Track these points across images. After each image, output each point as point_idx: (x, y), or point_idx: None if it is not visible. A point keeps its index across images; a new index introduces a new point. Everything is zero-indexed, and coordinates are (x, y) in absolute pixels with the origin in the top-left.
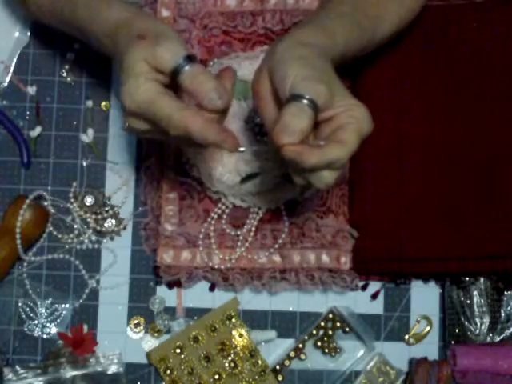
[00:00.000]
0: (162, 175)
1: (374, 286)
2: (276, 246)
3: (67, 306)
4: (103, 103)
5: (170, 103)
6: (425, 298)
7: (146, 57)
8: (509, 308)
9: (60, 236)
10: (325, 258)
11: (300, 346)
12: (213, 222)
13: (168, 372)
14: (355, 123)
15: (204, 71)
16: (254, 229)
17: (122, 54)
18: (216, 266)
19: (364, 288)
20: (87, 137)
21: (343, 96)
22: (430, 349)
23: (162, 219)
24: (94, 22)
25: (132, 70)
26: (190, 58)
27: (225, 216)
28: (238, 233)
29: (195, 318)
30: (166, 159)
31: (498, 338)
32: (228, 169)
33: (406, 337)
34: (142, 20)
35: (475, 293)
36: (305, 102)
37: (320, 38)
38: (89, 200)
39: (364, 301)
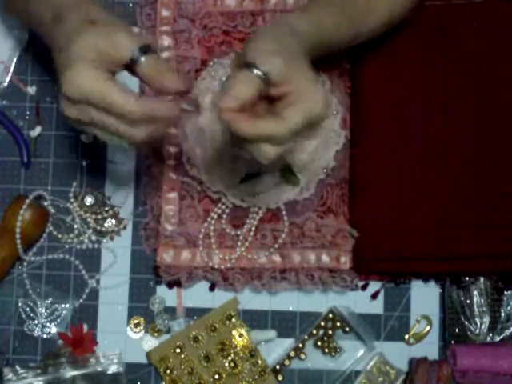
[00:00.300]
0: (162, 175)
1: (374, 285)
2: (276, 245)
3: (67, 305)
4: None
5: (122, 92)
6: (425, 297)
7: (98, 43)
8: (509, 308)
9: (60, 236)
10: (325, 257)
11: (300, 345)
12: (213, 221)
13: (168, 372)
14: (304, 103)
15: (161, 61)
16: (253, 229)
17: (69, 38)
18: (216, 266)
19: (364, 288)
20: (87, 137)
21: (304, 78)
22: (429, 349)
23: (162, 219)
24: (43, 5)
25: (81, 55)
26: (146, 48)
27: (225, 216)
28: (238, 233)
29: (195, 317)
30: (166, 159)
31: (497, 338)
32: (228, 169)
33: (406, 337)
34: (93, 7)
35: (475, 293)
36: (255, 71)
37: (303, 23)
38: (89, 200)
39: (364, 301)
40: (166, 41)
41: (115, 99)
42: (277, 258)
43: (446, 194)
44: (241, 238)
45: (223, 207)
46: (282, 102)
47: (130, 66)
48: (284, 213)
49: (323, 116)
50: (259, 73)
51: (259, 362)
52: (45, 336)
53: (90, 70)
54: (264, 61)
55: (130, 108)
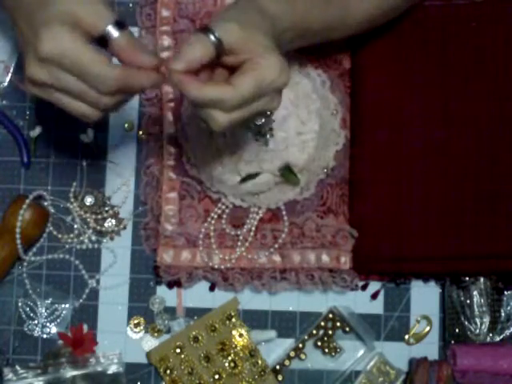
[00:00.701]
0: (162, 175)
1: (374, 285)
2: (276, 245)
3: (67, 305)
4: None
5: (99, 57)
6: (425, 297)
7: (78, 9)
8: (509, 308)
9: (60, 236)
10: (325, 257)
11: (300, 345)
12: (213, 221)
13: (168, 372)
14: (257, 70)
15: (134, 38)
16: (253, 229)
17: (43, 3)
18: (216, 266)
19: (364, 288)
20: (87, 137)
21: (261, 46)
22: (430, 349)
23: (162, 219)
24: None
25: (60, 16)
26: (121, 23)
27: (225, 216)
28: (238, 233)
29: (195, 318)
30: (166, 159)
31: (498, 338)
32: (228, 168)
33: (406, 337)
34: None
35: (475, 293)
36: (210, 36)
37: (273, 5)
38: (89, 200)
39: (364, 301)
40: (166, 41)
41: (91, 63)
42: (277, 258)
43: (446, 194)
44: (241, 238)
45: (223, 207)
46: (238, 71)
47: (102, 40)
48: (284, 213)
49: (278, 84)
50: (212, 37)
51: (259, 362)
52: (45, 336)
53: (68, 32)
54: (219, 26)
55: (106, 73)
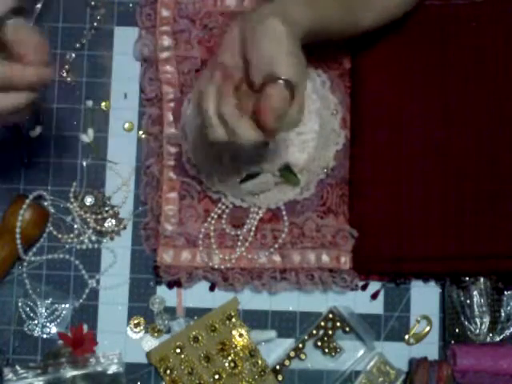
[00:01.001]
0: (162, 175)
1: (374, 285)
2: (276, 245)
3: (67, 305)
4: (103, 103)
5: None
6: (425, 297)
7: None
8: (509, 308)
9: (60, 236)
10: (325, 257)
11: (300, 345)
12: (213, 221)
13: (168, 372)
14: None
15: (31, 28)
16: (253, 229)
17: None
18: (216, 266)
19: (364, 288)
20: (87, 137)
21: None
22: (430, 349)
23: (162, 219)
24: None
25: None
26: (19, 10)
27: (225, 216)
28: (238, 233)
29: (195, 318)
30: (166, 159)
31: (498, 338)
32: (228, 169)
33: (406, 337)
34: None
35: (475, 293)
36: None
37: (306, 11)
38: (89, 200)
39: (364, 301)
40: (166, 41)
41: None
42: (277, 258)
43: (446, 193)
44: (241, 238)
45: (223, 207)
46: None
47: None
48: (284, 213)
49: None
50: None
51: (259, 362)
52: (45, 336)
53: None
54: (282, 70)
55: None
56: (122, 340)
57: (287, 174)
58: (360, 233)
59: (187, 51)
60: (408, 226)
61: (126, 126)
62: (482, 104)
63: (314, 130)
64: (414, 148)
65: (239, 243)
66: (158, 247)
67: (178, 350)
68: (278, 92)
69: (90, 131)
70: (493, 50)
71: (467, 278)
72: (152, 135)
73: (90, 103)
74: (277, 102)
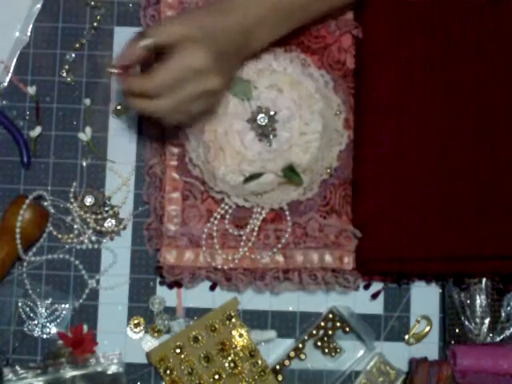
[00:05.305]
0: (165, 175)
1: (375, 285)
2: (279, 245)
3: (67, 306)
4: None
5: None
6: (425, 298)
7: None
8: (509, 308)
9: (60, 236)
10: (328, 258)
11: (300, 345)
12: (216, 222)
13: (168, 372)
14: (172, 59)
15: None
16: (256, 229)
17: None
18: (219, 266)
19: (367, 287)
20: (85, 135)
21: (189, 38)
22: (430, 349)
23: (165, 219)
24: None
25: None
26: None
27: (228, 216)
28: (241, 233)
29: (195, 318)
30: (168, 159)
31: (498, 338)
32: (231, 169)
33: (406, 337)
34: None
35: (476, 293)
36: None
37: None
38: (89, 200)
39: (364, 301)
40: None
41: None
42: (280, 258)
43: (449, 195)
44: (244, 238)
45: (226, 207)
46: None
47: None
48: (287, 213)
49: (196, 67)
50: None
51: (259, 362)
52: (45, 336)
53: None
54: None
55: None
56: (122, 340)
57: (290, 174)
58: (363, 233)
59: None
60: (411, 226)
61: (119, 108)
62: (486, 106)
63: (317, 131)
64: (418, 149)
65: (242, 243)
66: (160, 247)
67: (178, 350)
68: (138, 43)
69: (88, 130)
70: (494, 47)
71: (470, 280)
72: (155, 135)
73: (87, 101)
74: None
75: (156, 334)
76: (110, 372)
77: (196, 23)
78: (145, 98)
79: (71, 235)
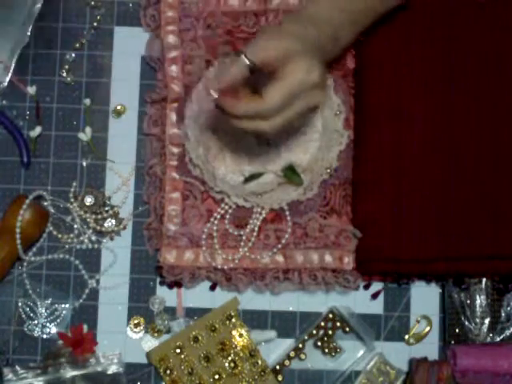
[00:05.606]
0: (165, 175)
1: (376, 286)
2: (279, 246)
3: (67, 306)
4: (119, 107)
5: None
6: (425, 298)
7: None
8: (509, 308)
9: (60, 236)
10: (328, 258)
11: (300, 345)
12: (216, 222)
13: (168, 372)
14: (282, 79)
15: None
16: (257, 229)
17: None
18: (219, 267)
19: (367, 287)
20: (85, 135)
21: (288, 53)
22: (430, 349)
23: (165, 219)
24: None
25: None
26: None
27: (228, 216)
28: (241, 233)
29: (195, 318)
30: (168, 159)
31: (498, 338)
32: (231, 169)
33: (406, 337)
34: None
35: (476, 293)
36: (243, 58)
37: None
38: (89, 200)
39: (364, 301)
40: (172, 39)
41: None
42: (280, 259)
43: (449, 195)
44: (244, 238)
45: (226, 207)
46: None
47: None
48: (287, 213)
49: (309, 82)
50: (245, 59)
51: (259, 362)
52: (45, 336)
53: None
54: (248, 48)
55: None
56: (122, 340)
57: (290, 174)
58: (363, 233)
59: (193, 50)
60: (411, 226)
61: (119, 107)
62: (486, 107)
63: (317, 131)
64: (418, 149)
65: (242, 243)
66: (160, 247)
67: (178, 350)
68: (237, 64)
69: (88, 130)
70: (495, 46)
71: (470, 279)
72: (155, 136)
73: (87, 101)
74: (232, 72)
75: (156, 334)
76: (109, 372)
77: (292, 36)
78: (255, 119)
79: (71, 235)
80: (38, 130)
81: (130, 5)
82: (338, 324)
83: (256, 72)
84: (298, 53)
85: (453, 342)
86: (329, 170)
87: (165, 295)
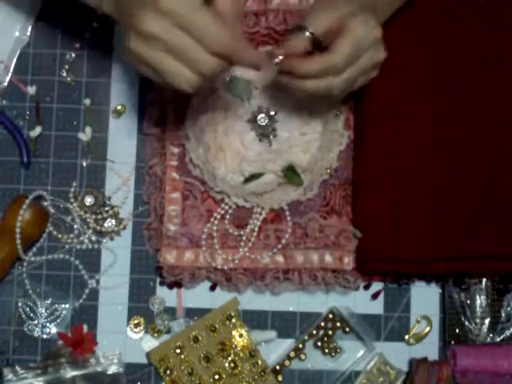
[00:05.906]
0: (165, 175)
1: (375, 286)
2: (279, 246)
3: (67, 306)
4: (119, 107)
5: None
6: (425, 298)
7: None
8: (509, 308)
9: (60, 236)
10: (328, 258)
11: (300, 346)
12: (216, 222)
13: (168, 372)
14: (349, 32)
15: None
16: (257, 229)
17: None
18: (219, 267)
19: (367, 287)
20: (85, 135)
21: (347, 15)
22: (429, 349)
23: (165, 219)
24: None
25: None
26: None
27: (228, 216)
28: (241, 233)
29: (195, 318)
30: (168, 159)
31: (498, 338)
32: (231, 169)
33: (406, 337)
34: None
35: (476, 293)
36: (305, 33)
37: None
38: (89, 200)
39: (364, 301)
40: None
41: (210, 20)
42: (280, 259)
43: (449, 195)
44: (244, 238)
45: (226, 207)
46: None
47: None
48: (287, 213)
49: (372, 37)
50: (307, 33)
51: (259, 362)
52: (45, 336)
53: None
54: (309, 23)
55: (223, 32)
56: (122, 340)
57: (290, 174)
58: (363, 233)
59: None
60: (411, 226)
61: (119, 107)
62: (486, 108)
63: (317, 131)
64: (417, 149)
65: (242, 243)
66: (160, 247)
67: (178, 351)
68: (298, 40)
69: (88, 130)
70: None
71: (470, 279)
72: (155, 135)
73: (87, 101)
74: (295, 46)
75: (156, 334)
76: (109, 372)
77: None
78: (325, 76)
79: (71, 235)
80: (38, 129)
81: None
82: (338, 324)
83: (317, 44)
84: (356, 13)
85: (453, 343)
86: (329, 170)
87: (165, 295)
